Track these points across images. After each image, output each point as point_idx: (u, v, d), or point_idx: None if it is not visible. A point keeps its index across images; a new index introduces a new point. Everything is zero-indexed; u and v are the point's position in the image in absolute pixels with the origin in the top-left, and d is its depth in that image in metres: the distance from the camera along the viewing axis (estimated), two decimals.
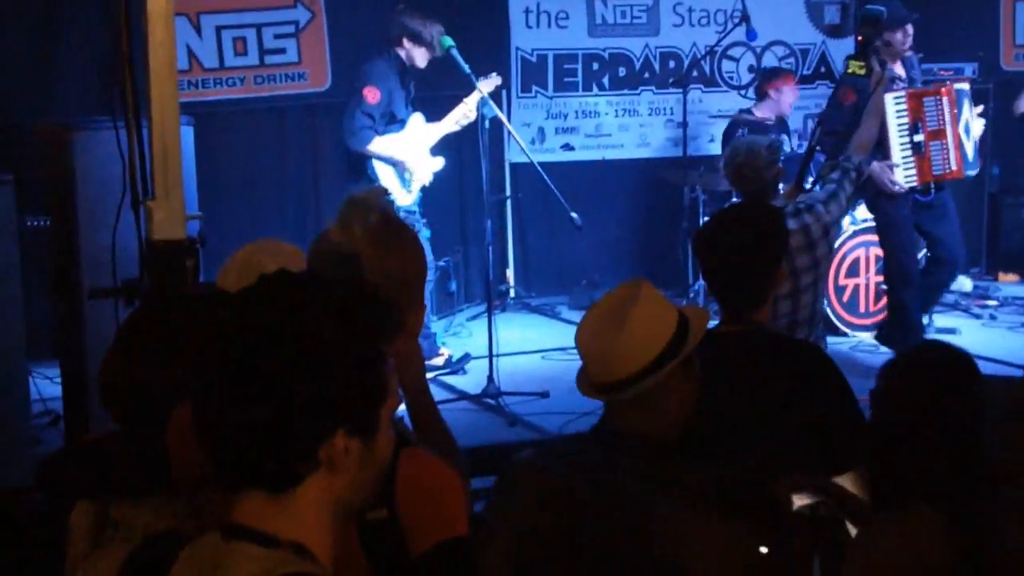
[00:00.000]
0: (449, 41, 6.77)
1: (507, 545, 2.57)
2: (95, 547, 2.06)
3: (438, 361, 7.00)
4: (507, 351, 6.98)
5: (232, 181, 8.12)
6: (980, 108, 7.04)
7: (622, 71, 9.21)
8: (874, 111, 5.61)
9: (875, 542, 2.54)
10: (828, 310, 7.36)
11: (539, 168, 7.00)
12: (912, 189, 6.70)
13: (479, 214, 7.48)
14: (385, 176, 6.84)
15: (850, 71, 5.70)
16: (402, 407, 2.20)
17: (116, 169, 3.60)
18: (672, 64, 9.22)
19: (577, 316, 2.71)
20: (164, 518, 2.01)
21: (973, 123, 6.90)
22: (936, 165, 6.65)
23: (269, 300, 1.61)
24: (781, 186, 5.10)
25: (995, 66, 9.66)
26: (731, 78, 9.32)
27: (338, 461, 1.60)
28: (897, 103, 6.61)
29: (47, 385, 6.28)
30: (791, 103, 8.32)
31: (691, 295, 8.15)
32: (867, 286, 7.70)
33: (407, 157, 6.88)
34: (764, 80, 8.39)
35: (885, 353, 6.57)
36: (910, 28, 6.60)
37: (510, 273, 9.11)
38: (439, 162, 7.07)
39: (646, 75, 9.25)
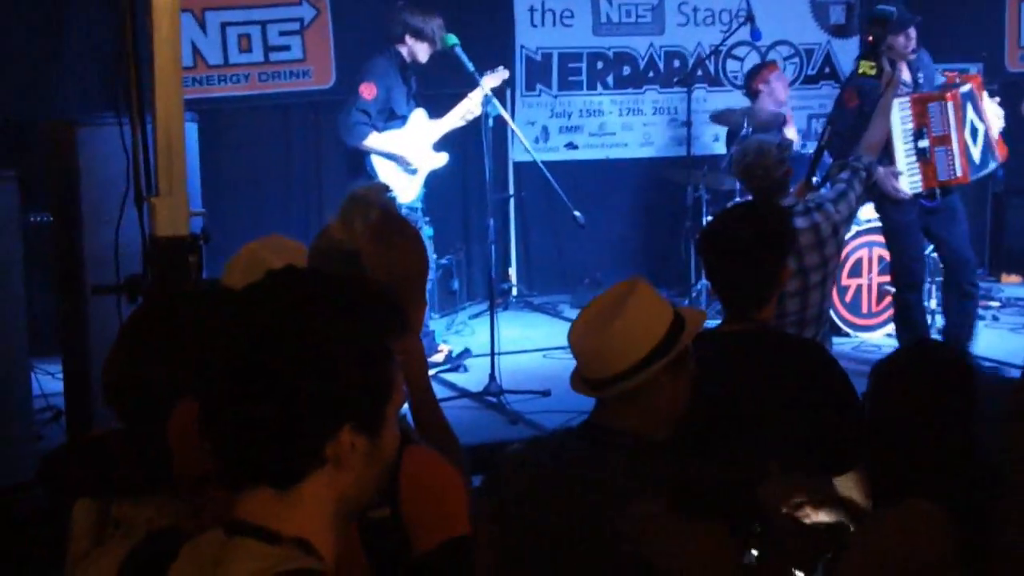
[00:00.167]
0: (453, 39, 6.77)
1: (491, 535, 2.58)
2: (96, 545, 2.06)
3: (438, 358, 7.01)
4: (509, 349, 6.98)
5: (236, 178, 8.11)
6: (997, 99, 6.95)
7: (626, 70, 9.20)
8: (884, 112, 5.58)
9: (872, 536, 2.54)
10: (830, 310, 7.35)
11: (542, 167, 7.00)
12: (918, 195, 6.67)
13: (482, 212, 7.48)
14: (385, 172, 6.83)
15: (860, 71, 5.68)
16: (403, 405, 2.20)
17: (120, 165, 3.60)
18: (677, 63, 9.21)
19: None
20: (165, 516, 2.01)
21: (990, 119, 6.80)
22: (941, 171, 6.62)
23: (275, 297, 1.60)
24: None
25: (1000, 67, 9.65)
26: (735, 78, 9.30)
27: (344, 458, 1.60)
28: (901, 109, 6.58)
29: (49, 381, 6.28)
30: (785, 88, 8.27)
31: (693, 294, 8.15)
32: (870, 286, 7.70)
33: (407, 152, 6.88)
34: (749, 80, 8.36)
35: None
36: (912, 32, 6.56)
37: (512, 271, 9.11)
38: (442, 158, 7.06)
39: (650, 74, 9.24)
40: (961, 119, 6.69)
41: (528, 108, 8.98)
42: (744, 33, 8.46)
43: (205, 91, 7.89)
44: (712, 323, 3.24)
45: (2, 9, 7.28)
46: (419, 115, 7.03)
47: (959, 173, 6.64)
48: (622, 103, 9.23)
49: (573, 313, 8.47)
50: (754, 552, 2.50)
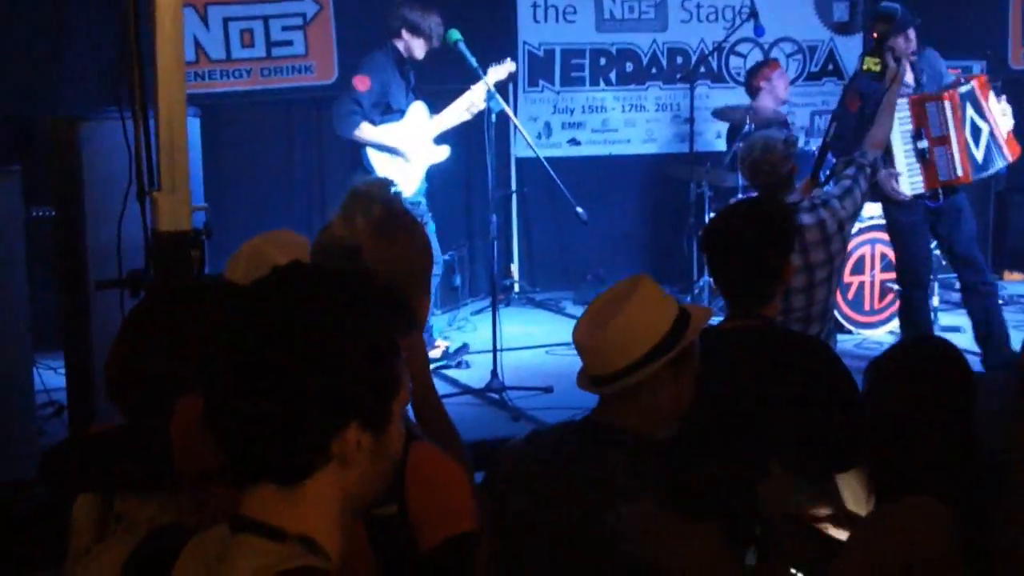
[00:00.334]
0: (456, 35, 6.76)
1: (488, 526, 2.58)
2: (98, 540, 2.06)
3: (435, 353, 7.02)
4: (511, 346, 6.98)
5: (238, 173, 8.12)
6: (1004, 97, 6.92)
7: (629, 66, 9.20)
8: (889, 108, 5.57)
9: (872, 532, 2.53)
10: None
11: (545, 163, 6.99)
12: (920, 196, 6.66)
13: (484, 208, 7.47)
14: (382, 165, 6.82)
15: (865, 68, 5.66)
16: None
17: (122, 160, 3.60)
18: (679, 60, 9.21)
19: (581, 312, 2.70)
20: (168, 512, 2.00)
21: (996, 118, 6.78)
22: (942, 171, 6.60)
23: (282, 292, 1.60)
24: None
25: (1003, 64, 9.63)
26: (738, 74, 9.30)
27: (350, 455, 1.59)
28: (900, 110, 6.56)
29: (51, 376, 6.28)
30: (786, 86, 8.27)
31: (696, 291, 8.15)
32: (872, 283, 7.69)
33: (402, 144, 6.87)
34: (750, 77, 8.35)
35: None
36: (912, 33, 6.55)
37: (515, 268, 9.11)
38: (443, 151, 7.06)
39: (653, 71, 9.24)
40: (960, 119, 6.66)
41: (531, 104, 8.97)
42: (747, 30, 8.44)
43: (207, 86, 7.90)
44: (716, 320, 3.24)
45: (4, 6, 7.28)
46: (418, 107, 7.03)
47: (960, 173, 6.62)
48: (625, 99, 9.23)
49: (575, 309, 8.48)
50: (754, 552, 2.49)
